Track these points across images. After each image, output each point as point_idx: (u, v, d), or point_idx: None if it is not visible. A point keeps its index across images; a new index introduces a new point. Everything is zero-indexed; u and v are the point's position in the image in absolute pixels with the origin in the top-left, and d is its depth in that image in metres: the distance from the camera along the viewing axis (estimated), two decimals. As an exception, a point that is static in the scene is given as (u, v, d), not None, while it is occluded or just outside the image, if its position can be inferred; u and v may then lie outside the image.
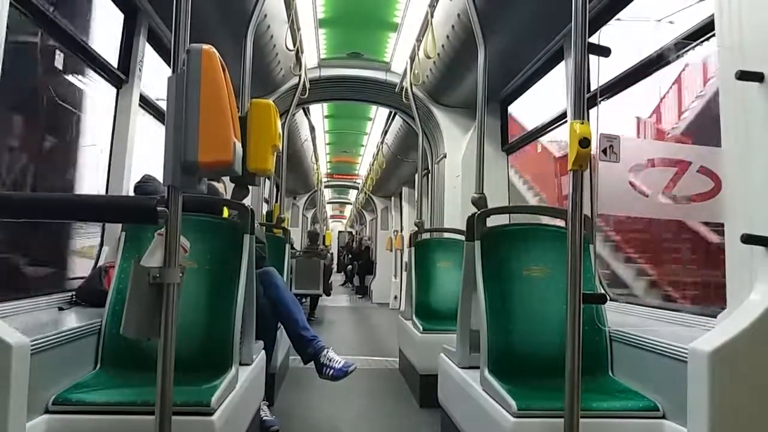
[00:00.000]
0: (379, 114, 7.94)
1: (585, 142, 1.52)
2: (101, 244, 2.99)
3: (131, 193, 2.99)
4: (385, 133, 8.21)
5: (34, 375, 1.55)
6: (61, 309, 2.38)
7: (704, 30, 2.26)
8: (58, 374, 1.87)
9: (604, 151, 1.62)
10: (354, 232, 20.03)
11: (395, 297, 10.60)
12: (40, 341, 1.70)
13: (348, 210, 21.42)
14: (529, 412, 1.89)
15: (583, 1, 1.60)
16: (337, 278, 16.09)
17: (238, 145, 1.48)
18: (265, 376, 2.86)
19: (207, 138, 1.38)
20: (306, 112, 7.33)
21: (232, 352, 2.23)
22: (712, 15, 1.91)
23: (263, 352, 2.81)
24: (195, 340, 2.23)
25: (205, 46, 1.42)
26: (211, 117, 1.39)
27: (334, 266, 16.29)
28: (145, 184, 2.65)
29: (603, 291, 2.86)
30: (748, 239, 1.60)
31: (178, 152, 1.37)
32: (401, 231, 10.95)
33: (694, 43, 2.32)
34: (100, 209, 1.56)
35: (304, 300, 8.57)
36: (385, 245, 11.45)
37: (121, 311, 1.44)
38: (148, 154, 3.33)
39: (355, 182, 13.93)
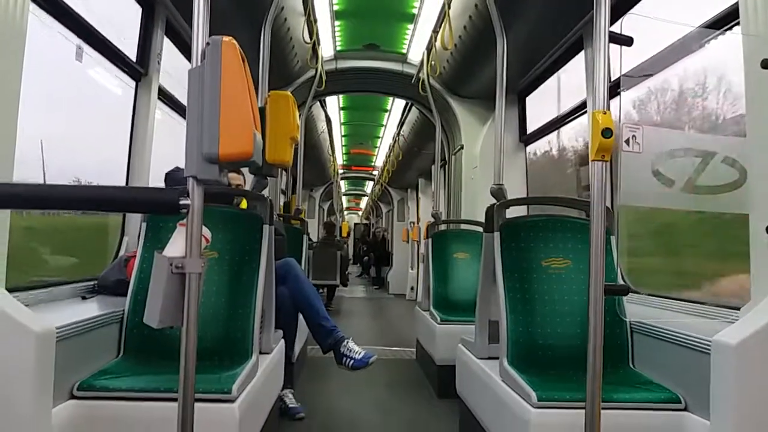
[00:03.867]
0: (395, 105, 7.92)
1: (607, 132, 1.50)
2: (122, 234, 3.02)
3: (152, 183, 3.04)
4: (401, 124, 8.19)
5: (59, 362, 1.58)
6: (83, 298, 2.41)
7: (728, 18, 2.22)
8: (83, 361, 1.91)
9: (627, 141, 1.61)
10: (370, 224, 19.99)
11: (412, 288, 10.62)
12: (64, 329, 1.74)
13: (364, 202, 21.43)
14: (550, 403, 1.88)
15: None
16: (353, 269, 16.11)
17: (258, 136, 1.48)
18: (285, 365, 2.89)
19: (228, 130, 1.38)
20: (322, 105, 7.34)
21: (252, 340, 2.26)
22: (737, 3, 1.88)
23: (283, 341, 2.83)
24: (216, 329, 2.26)
25: (226, 38, 1.41)
26: (231, 109, 1.39)
27: (351, 257, 16.32)
28: (175, 172, 2.70)
29: (624, 282, 2.84)
30: (774, 230, 1.58)
31: (199, 144, 1.38)
32: (417, 222, 10.95)
33: (718, 32, 2.28)
34: (124, 201, 1.57)
35: (321, 290, 8.62)
36: (402, 236, 11.46)
37: (143, 300, 1.45)
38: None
39: (371, 174, 13.92)
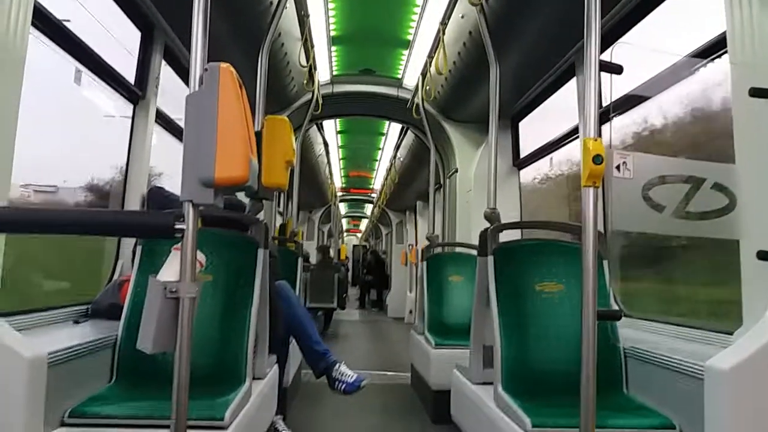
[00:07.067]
0: (391, 129, 7.99)
1: (598, 159, 1.52)
2: (116, 258, 3.02)
3: None
4: (397, 147, 8.25)
5: (51, 388, 1.57)
6: (76, 322, 2.40)
7: (716, 47, 2.26)
8: (74, 387, 1.88)
9: (618, 168, 1.63)
10: (368, 246, 19.76)
11: (410, 311, 10.56)
12: (56, 354, 1.72)
13: (364, 224, 21.41)
14: (544, 429, 1.87)
15: (596, 17, 1.61)
16: (352, 291, 15.91)
17: (254, 161, 1.50)
18: (278, 390, 2.86)
19: (224, 155, 1.39)
20: (320, 128, 7.39)
21: (246, 366, 2.24)
22: (724, 32, 1.92)
23: (276, 366, 2.81)
24: (209, 354, 2.25)
25: (223, 65, 1.43)
26: (228, 134, 1.40)
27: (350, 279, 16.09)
28: (155, 192, 2.69)
29: (617, 307, 2.84)
30: (764, 255, 1.59)
31: (196, 168, 1.40)
32: (416, 245, 10.93)
33: (706, 60, 2.32)
34: (119, 225, 1.58)
35: (319, 313, 8.58)
36: (401, 259, 11.43)
37: (137, 324, 1.45)
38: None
39: (369, 196, 13.94)
